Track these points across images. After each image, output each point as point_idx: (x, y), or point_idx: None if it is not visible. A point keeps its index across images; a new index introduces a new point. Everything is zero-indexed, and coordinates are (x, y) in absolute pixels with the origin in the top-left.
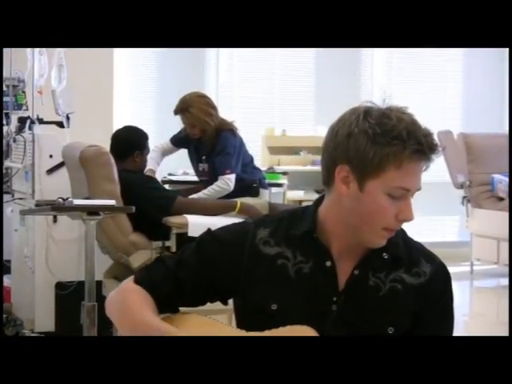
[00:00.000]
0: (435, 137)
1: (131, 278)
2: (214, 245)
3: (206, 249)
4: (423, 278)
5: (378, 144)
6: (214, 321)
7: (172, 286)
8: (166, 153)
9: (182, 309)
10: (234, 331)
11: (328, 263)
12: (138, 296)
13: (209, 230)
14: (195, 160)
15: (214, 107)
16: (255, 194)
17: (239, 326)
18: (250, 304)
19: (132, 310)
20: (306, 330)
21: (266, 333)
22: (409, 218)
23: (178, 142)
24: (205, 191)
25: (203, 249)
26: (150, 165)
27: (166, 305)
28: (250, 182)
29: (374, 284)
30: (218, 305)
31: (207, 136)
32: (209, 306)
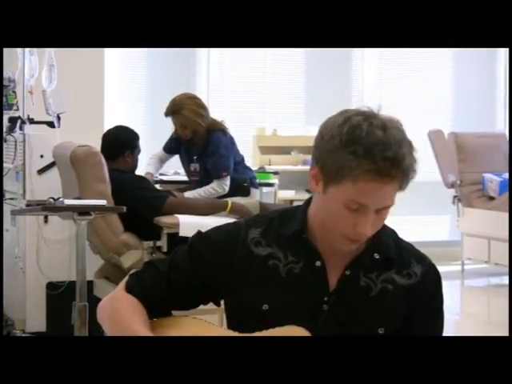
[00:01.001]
0: (409, 162)
1: (123, 284)
2: (205, 246)
3: (198, 250)
4: (414, 279)
5: (339, 154)
6: (206, 322)
7: (164, 289)
8: (162, 161)
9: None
10: (225, 332)
11: (318, 263)
12: (129, 306)
13: (199, 231)
14: (186, 160)
15: (204, 108)
16: (246, 193)
17: (230, 326)
18: (242, 305)
19: (123, 321)
20: (297, 331)
21: (258, 334)
22: (364, 233)
23: (170, 147)
24: (200, 191)
25: (195, 250)
26: (148, 169)
27: (159, 309)
28: (241, 182)
29: (366, 284)
30: (209, 305)
31: (198, 137)
32: (200, 306)
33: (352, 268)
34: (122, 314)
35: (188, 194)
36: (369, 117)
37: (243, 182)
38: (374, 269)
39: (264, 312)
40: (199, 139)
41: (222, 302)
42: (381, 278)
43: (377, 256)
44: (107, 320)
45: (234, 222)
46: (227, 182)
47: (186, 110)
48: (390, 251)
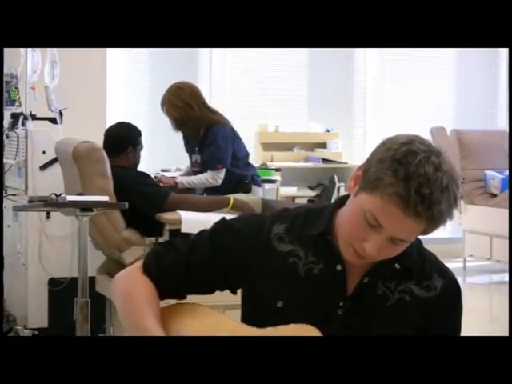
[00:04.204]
0: (441, 210)
1: (141, 262)
2: (228, 235)
3: (220, 238)
4: (433, 293)
5: (383, 166)
6: (217, 312)
7: (182, 271)
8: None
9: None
10: (235, 324)
11: (338, 267)
12: (142, 293)
13: (224, 219)
14: (190, 151)
15: (181, 99)
16: (247, 190)
17: (243, 317)
18: (257, 298)
19: (134, 311)
20: (309, 330)
21: (269, 329)
22: (368, 251)
23: (185, 144)
24: (193, 179)
25: (217, 237)
26: (178, 177)
27: (174, 291)
28: (241, 178)
29: (383, 293)
30: (212, 302)
31: (184, 128)
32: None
33: (371, 275)
34: (134, 302)
35: (180, 179)
36: (431, 152)
37: (244, 179)
38: (394, 278)
39: (278, 309)
40: (187, 131)
41: (224, 297)
42: (399, 288)
43: (397, 266)
44: (120, 300)
45: (259, 215)
46: (221, 174)
47: (165, 101)
48: (412, 262)
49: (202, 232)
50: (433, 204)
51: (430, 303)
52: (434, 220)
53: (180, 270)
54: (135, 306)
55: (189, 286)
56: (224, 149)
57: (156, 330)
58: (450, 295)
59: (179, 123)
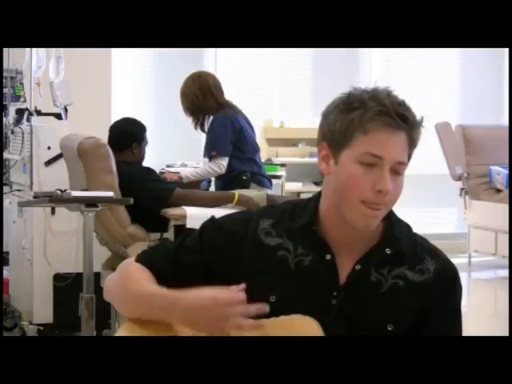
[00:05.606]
0: (414, 113)
1: (132, 258)
2: (216, 232)
3: (209, 235)
4: (427, 276)
5: (343, 112)
6: None
7: (171, 268)
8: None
9: None
10: None
11: (328, 256)
12: (137, 269)
13: (212, 217)
14: None
15: (189, 87)
16: (243, 186)
17: None
18: (249, 295)
19: (132, 281)
20: (307, 321)
21: (266, 321)
22: (384, 189)
23: None
24: (197, 170)
25: (205, 235)
26: None
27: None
28: (240, 173)
29: (376, 280)
30: None
31: (190, 115)
32: None
33: (363, 263)
34: (131, 277)
35: (185, 173)
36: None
37: (241, 174)
38: (386, 264)
39: (271, 304)
40: (196, 119)
41: None
42: (392, 273)
43: (388, 251)
44: (116, 287)
45: (247, 211)
46: (223, 161)
47: (180, 89)
48: (403, 246)
49: (192, 231)
50: (407, 108)
51: (424, 287)
52: (416, 124)
53: (168, 266)
54: (132, 280)
55: (177, 283)
56: (220, 136)
57: (157, 290)
58: (446, 278)
59: (188, 111)
